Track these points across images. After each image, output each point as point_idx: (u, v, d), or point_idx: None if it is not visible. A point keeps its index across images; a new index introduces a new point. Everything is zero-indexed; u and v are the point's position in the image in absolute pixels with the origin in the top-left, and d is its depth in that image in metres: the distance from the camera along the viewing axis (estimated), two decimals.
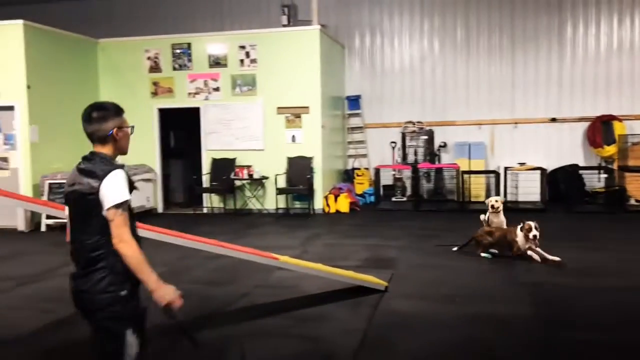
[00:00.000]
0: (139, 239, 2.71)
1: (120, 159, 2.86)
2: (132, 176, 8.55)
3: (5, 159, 10.15)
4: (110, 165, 2.66)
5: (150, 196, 11.59)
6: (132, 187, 2.71)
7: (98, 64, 11.96)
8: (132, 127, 2.84)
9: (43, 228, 9.81)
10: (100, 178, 2.59)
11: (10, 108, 10.04)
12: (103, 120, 2.72)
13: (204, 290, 5.78)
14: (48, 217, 9.70)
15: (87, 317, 2.67)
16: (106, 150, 2.74)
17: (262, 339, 4.45)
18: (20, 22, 9.87)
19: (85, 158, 2.72)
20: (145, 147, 11.54)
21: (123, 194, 2.60)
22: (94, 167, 2.64)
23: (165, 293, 2.56)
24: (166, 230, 4.73)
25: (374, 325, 4.68)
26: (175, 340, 3.88)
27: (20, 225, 9.91)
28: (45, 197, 9.66)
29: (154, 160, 11.86)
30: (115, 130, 2.73)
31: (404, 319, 4.84)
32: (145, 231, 4.17)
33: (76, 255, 2.68)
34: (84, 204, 2.62)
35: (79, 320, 2.80)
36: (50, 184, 9.78)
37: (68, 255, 2.72)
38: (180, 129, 12.73)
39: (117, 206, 2.56)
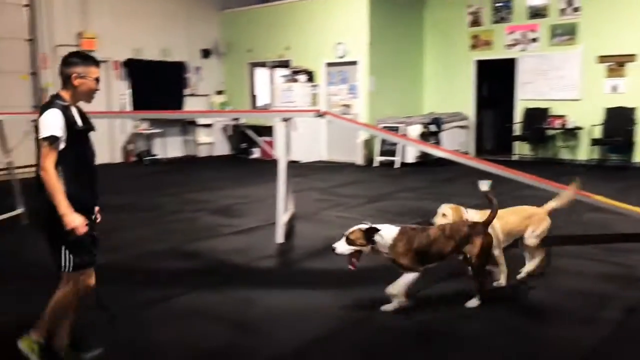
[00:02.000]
0: (91, 170, 3.15)
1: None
2: (443, 123, 9.80)
3: (349, 106, 12.37)
4: (51, 105, 2.97)
5: (463, 142, 12.67)
6: (72, 126, 2.97)
7: (423, 21, 13.33)
8: (98, 79, 3.09)
9: (376, 163, 11.79)
10: (40, 114, 2.98)
11: (354, 63, 12.15)
12: (69, 65, 3.04)
13: None
14: (381, 154, 11.65)
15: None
16: (64, 93, 3.06)
17: (567, 259, 5.05)
18: None
19: (50, 97, 3.11)
20: (461, 96, 12.65)
21: (49, 130, 2.89)
22: (43, 106, 3.04)
23: (73, 219, 2.87)
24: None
25: None
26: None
27: (358, 160, 12.08)
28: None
29: (469, 109, 12.85)
30: (74, 75, 3.02)
31: None
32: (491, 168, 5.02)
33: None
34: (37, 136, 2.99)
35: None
36: (383, 126, 11.63)
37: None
38: (494, 80, 13.38)
39: (44, 139, 2.88)
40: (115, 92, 12.55)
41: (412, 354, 3.38)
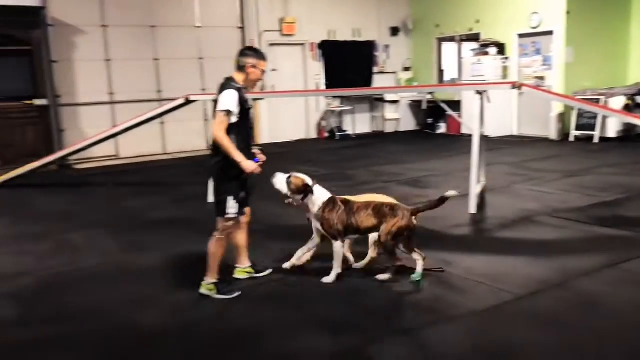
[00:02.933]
0: (249, 140, 3.90)
1: None
2: None
3: (542, 78, 11.85)
4: (229, 86, 3.75)
5: None
6: (244, 105, 3.76)
7: None
8: (264, 71, 3.90)
9: (571, 138, 11.19)
10: (219, 92, 3.77)
11: (550, 33, 11.57)
12: (245, 57, 3.87)
13: None
14: (577, 128, 11.04)
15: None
16: (238, 77, 3.85)
17: None
18: None
19: (225, 79, 3.85)
20: None
21: (226, 105, 3.70)
22: (222, 86, 3.79)
23: (248, 164, 3.71)
24: None
25: None
26: None
27: (552, 135, 11.57)
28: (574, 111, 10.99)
29: None
30: (249, 65, 3.83)
31: None
32: None
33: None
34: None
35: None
36: (580, 99, 10.96)
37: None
38: None
39: (221, 111, 3.69)
40: (311, 72, 13.49)
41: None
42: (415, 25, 14.51)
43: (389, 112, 14.34)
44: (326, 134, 13.68)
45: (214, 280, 3.91)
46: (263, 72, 3.91)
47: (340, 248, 4.09)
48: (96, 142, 8.63)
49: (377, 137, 13.67)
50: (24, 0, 9.94)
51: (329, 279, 4.08)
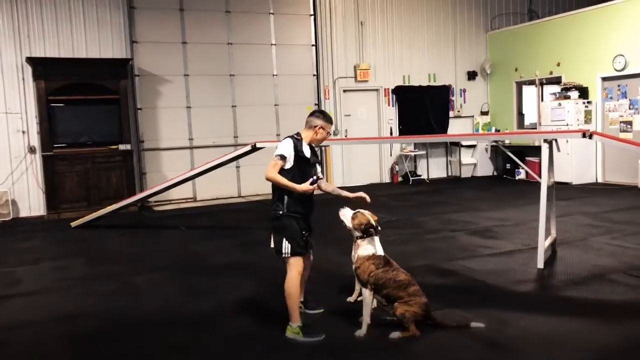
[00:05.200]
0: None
1: None
2: None
3: (629, 122, 11.21)
4: (291, 137, 4.15)
5: None
6: (298, 154, 4.06)
7: None
8: (330, 133, 4.29)
9: None
10: (280, 141, 4.20)
11: (636, 75, 10.98)
12: (316, 118, 4.23)
13: None
14: None
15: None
16: (305, 133, 4.22)
17: None
18: None
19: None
20: None
21: (280, 150, 4.06)
22: (285, 138, 4.18)
23: (302, 187, 3.99)
24: None
25: None
26: None
27: None
28: None
29: None
30: (318, 127, 4.19)
31: None
32: None
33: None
34: None
35: None
36: None
37: None
38: None
39: (276, 155, 4.05)
40: (385, 117, 13.53)
41: None
42: (494, 68, 14.27)
43: (465, 156, 14.04)
44: (400, 179, 13.57)
45: (299, 324, 4.03)
46: (329, 133, 4.30)
47: (370, 296, 4.02)
48: (172, 186, 9.02)
49: (452, 182, 13.39)
50: (114, 53, 10.76)
51: (360, 332, 4.00)
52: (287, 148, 4.06)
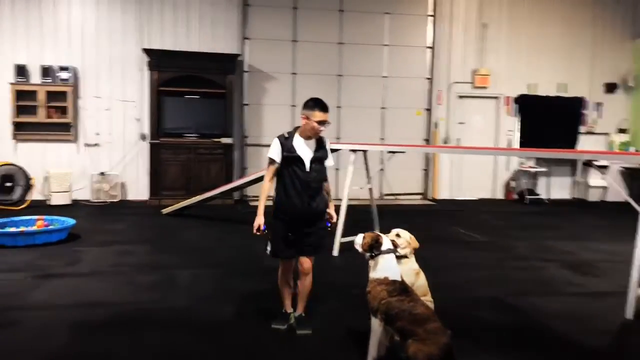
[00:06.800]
0: (298, 183, 3.92)
1: None
2: None
3: None
4: (282, 135, 3.99)
5: None
6: (284, 152, 3.90)
7: None
8: (322, 122, 3.86)
9: None
10: None
11: None
12: (304, 107, 3.94)
13: None
14: None
15: None
16: (300, 127, 3.98)
17: None
18: None
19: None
20: None
21: (269, 153, 3.96)
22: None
23: (256, 221, 3.90)
24: None
25: None
26: None
27: None
28: None
29: None
30: (303, 117, 3.91)
31: None
32: None
33: None
34: None
35: None
36: None
37: None
38: None
39: (268, 159, 3.96)
40: (503, 128, 12.45)
41: None
42: (638, 81, 12.52)
43: (594, 178, 12.48)
44: (514, 196, 12.41)
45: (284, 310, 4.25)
46: (321, 123, 3.88)
47: (379, 327, 3.46)
48: (252, 182, 8.85)
49: (574, 206, 11.97)
50: (225, 49, 10.99)
51: None
52: (272, 149, 3.96)
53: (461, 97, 12.28)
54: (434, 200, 12.08)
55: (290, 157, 3.91)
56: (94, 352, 3.74)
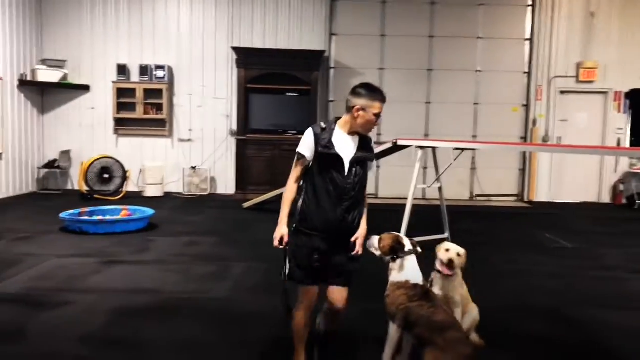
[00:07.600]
0: (333, 189, 3.08)
1: None
2: None
3: None
4: (318, 125, 3.16)
5: None
6: (319, 147, 3.07)
7: None
8: (378, 115, 3.06)
9: None
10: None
11: None
12: (355, 96, 3.07)
13: None
14: None
15: None
16: (344, 119, 3.14)
17: None
18: None
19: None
20: None
21: (300, 147, 3.14)
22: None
23: (277, 231, 3.13)
24: None
25: None
26: None
27: None
28: None
29: None
30: (357, 108, 3.04)
31: None
32: None
33: None
34: None
35: None
36: None
37: None
38: None
39: (296, 154, 3.16)
40: (612, 126, 11.38)
41: None
42: None
43: None
44: (623, 201, 11.30)
45: None
46: (377, 116, 3.06)
47: (396, 334, 3.21)
48: None
49: None
50: (313, 45, 11.02)
51: None
52: (304, 142, 3.12)
53: (563, 92, 11.37)
54: (529, 202, 11.31)
55: (326, 155, 3.07)
56: (122, 335, 3.85)
